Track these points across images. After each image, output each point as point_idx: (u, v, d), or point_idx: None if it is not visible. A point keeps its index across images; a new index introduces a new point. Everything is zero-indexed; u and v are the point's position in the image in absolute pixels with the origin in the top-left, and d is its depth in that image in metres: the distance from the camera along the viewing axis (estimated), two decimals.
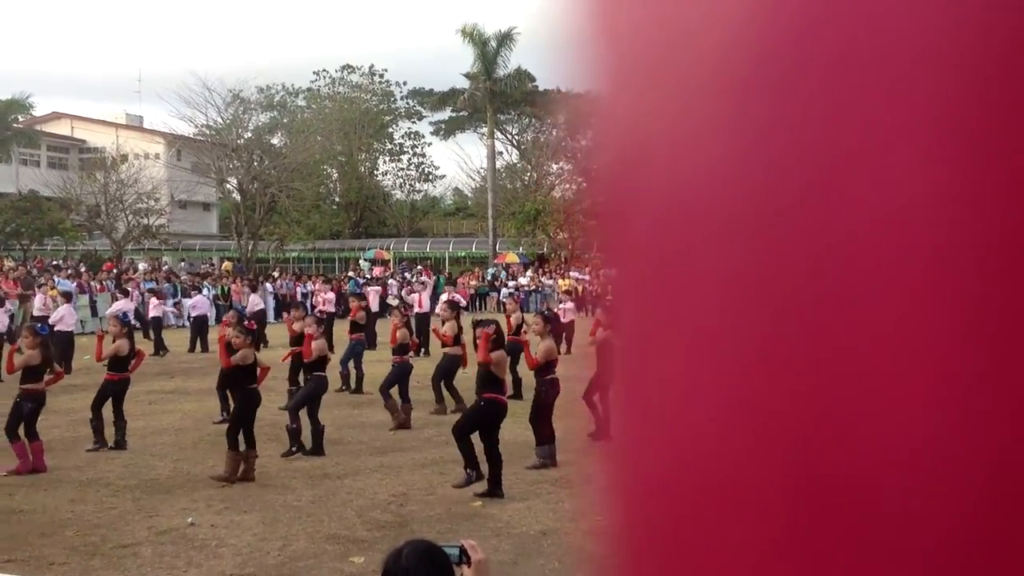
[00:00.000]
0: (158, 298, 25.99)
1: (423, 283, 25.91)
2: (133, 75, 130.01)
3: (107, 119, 59.52)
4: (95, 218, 45.70)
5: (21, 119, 50.99)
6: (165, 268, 39.83)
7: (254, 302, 25.73)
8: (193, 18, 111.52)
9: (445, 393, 14.42)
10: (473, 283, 40.33)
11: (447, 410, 14.19)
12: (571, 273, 42.11)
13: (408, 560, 2.96)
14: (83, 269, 35.40)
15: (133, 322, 15.93)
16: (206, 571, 7.46)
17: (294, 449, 11.41)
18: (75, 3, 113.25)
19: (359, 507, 9.25)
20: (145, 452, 11.81)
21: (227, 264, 44.59)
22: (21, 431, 10.64)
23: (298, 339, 13.27)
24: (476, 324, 10.18)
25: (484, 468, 9.56)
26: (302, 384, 12.88)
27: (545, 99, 57.03)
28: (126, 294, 25.34)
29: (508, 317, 15.63)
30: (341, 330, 18.79)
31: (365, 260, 50.54)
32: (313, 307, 24.30)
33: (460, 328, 14.53)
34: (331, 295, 25.63)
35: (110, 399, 11.98)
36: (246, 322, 11.63)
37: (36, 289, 24.90)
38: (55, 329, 18.90)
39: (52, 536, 8.40)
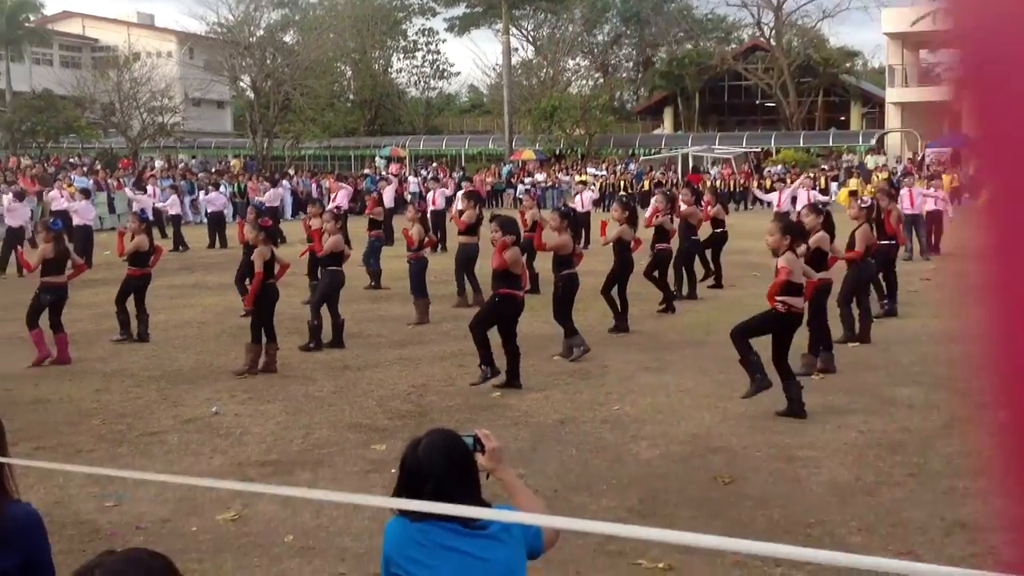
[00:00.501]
0: (177, 194, 26.02)
1: (437, 180, 25.69)
2: None
3: (118, 17, 58.94)
4: (110, 116, 45.62)
5: (32, 18, 50.38)
6: (181, 165, 39.76)
7: (272, 196, 25.73)
8: None
9: (467, 284, 14.48)
10: (489, 180, 40.15)
11: (469, 301, 14.25)
12: (588, 169, 41.93)
13: (424, 451, 3.00)
14: (99, 167, 35.37)
15: (151, 218, 15.98)
16: (231, 458, 7.60)
17: (311, 344, 11.50)
18: None
19: (379, 397, 9.36)
20: (168, 344, 11.95)
21: (235, 162, 44.34)
22: (43, 323, 10.80)
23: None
24: (493, 218, 10.18)
25: (501, 363, 9.62)
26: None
27: None
28: (145, 191, 25.37)
29: (523, 213, 15.61)
30: (358, 227, 18.80)
31: (381, 157, 50.35)
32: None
33: (480, 218, 14.55)
34: (348, 188, 25.58)
35: (132, 293, 12.11)
36: (261, 219, 11.60)
37: (53, 185, 24.95)
38: (74, 224, 19.03)
39: (79, 425, 8.54)
